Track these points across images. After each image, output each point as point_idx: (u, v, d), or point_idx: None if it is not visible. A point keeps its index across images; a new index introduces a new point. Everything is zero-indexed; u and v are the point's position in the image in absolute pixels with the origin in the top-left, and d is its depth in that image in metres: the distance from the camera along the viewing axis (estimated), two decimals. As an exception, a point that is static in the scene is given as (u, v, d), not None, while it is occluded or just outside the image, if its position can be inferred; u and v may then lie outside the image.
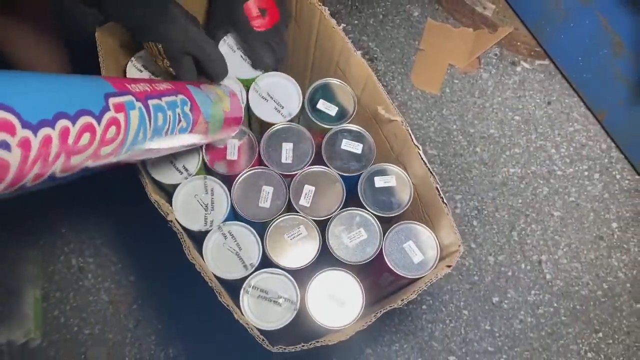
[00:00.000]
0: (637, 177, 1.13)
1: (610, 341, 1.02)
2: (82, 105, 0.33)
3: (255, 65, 0.67)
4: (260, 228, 0.60)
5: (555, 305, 1.03)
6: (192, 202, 0.61)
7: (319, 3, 0.66)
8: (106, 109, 0.36)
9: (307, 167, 0.64)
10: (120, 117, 0.37)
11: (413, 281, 0.60)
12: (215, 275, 0.57)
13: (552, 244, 1.07)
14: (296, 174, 0.63)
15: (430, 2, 1.25)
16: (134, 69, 0.63)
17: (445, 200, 0.57)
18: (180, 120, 0.48)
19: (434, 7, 1.25)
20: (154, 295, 0.99)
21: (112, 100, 0.37)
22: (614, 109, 1.09)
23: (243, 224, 0.60)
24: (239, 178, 0.62)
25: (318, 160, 0.66)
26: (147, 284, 1.00)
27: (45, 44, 0.79)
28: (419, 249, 0.60)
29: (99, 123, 0.35)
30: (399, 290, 0.65)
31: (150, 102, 0.43)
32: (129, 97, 0.40)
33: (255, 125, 0.69)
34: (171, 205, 0.59)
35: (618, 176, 1.13)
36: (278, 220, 0.60)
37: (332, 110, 0.66)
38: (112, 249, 1.01)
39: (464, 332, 1.00)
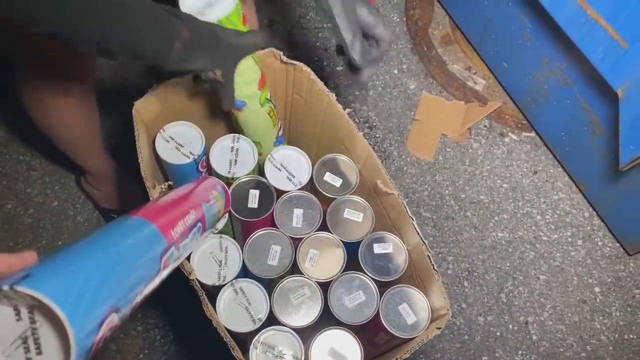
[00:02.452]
0: (617, 244, 1.20)
1: (594, 402, 1.06)
2: (150, 276, 0.41)
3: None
4: (268, 285, 0.67)
5: (541, 365, 1.08)
6: (207, 259, 0.67)
7: (327, 89, 0.75)
8: (159, 269, 0.43)
9: (314, 232, 0.71)
10: (165, 271, 0.45)
11: (406, 341, 0.66)
12: (226, 329, 0.63)
13: (538, 306, 1.14)
14: (303, 237, 0.70)
15: (425, 77, 1.36)
16: (162, 140, 0.71)
17: (435, 268, 0.64)
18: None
19: (428, 81, 1.35)
20: (160, 345, 1.04)
21: (164, 259, 0.44)
22: (594, 181, 1.17)
23: (253, 281, 0.67)
24: (251, 237, 0.69)
25: (323, 226, 0.73)
26: (153, 334, 1.05)
27: (82, 107, 0.86)
28: (412, 311, 0.67)
29: (153, 280, 0.42)
30: (394, 348, 0.71)
31: (182, 244, 0.49)
32: (173, 249, 0.46)
33: None
34: (189, 261, 0.66)
35: (600, 243, 1.21)
36: (284, 281, 0.67)
37: (337, 182, 0.73)
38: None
39: (454, 390, 1.05)
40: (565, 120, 1.16)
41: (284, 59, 0.76)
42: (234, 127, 0.78)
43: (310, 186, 0.75)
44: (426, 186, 1.24)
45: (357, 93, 1.33)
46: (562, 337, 1.11)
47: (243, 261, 0.68)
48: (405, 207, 0.67)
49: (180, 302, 0.92)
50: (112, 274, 0.35)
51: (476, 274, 1.16)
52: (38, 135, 0.89)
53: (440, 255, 1.17)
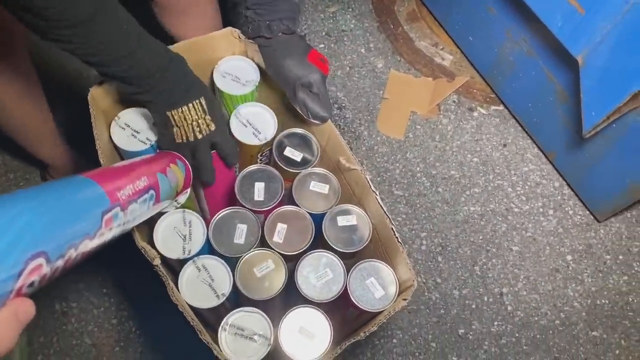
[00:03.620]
0: (587, 212, 1.22)
1: (569, 368, 1.08)
2: (86, 232, 0.40)
3: (313, 117, 0.72)
4: (233, 261, 0.66)
5: (517, 335, 1.10)
6: (171, 233, 0.66)
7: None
8: (99, 227, 0.42)
9: (279, 206, 0.70)
10: (107, 231, 0.43)
11: (376, 315, 0.66)
12: (191, 307, 0.63)
13: (512, 276, 1.15)
14: (269, 212, 0.70)
15: (392, 54, 1.36)
16: (118, 127, 0.70)
17: (400, 240, 0.64)
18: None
19: (396, 59, 1.35)
20: (136, 337, 1.03)
21: (105, 217, 0.43)
22: (562, 151, 1.19)
23: (216, 257, 0.66)
24: (215, 218, 0.69)
25: (289, 200, 0.72)
26: (128, 326, 1.03)
27: (28, 97, 0.84)
28: (380, 285, 0.67)
29: (92, 239, 0.41)
30: (365, 324, 0.71)
31: (130, 208, 0.48)
32: (117, 210, 0.45)
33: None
34: (152, 236, 0.65)
35: (570, 212, 1.22)
36: (248, 255, 0.67)
37: (297, 156, 0.73)
38: (94, 293, 1.05)
39: (432, 364, 1.06)
40: (532, 91, 1.17)
41: (242, 36, 0.75)
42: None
43: (271, 160, 0.74)
44: (397, 164, 1.24)
45: (324, 74, 1.32)
46: (537, 306, 1.13)
47: (208, 237, 0.67)
48: (368, 182, 0.67)
49: (152, 292, 0.91)
50: (40, 220, 0.34)
51: (450, 248, 1.16)
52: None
53: (413, 231, 1.17)
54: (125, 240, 0.64)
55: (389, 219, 0.65)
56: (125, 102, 0.72)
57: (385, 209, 0.65)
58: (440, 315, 1.10)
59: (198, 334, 0.58)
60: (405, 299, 0.62)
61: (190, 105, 0.63)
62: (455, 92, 1.32)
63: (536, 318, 1.12)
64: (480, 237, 1.18)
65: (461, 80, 1.31)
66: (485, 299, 1.12)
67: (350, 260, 0.70)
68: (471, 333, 1.09)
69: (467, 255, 1.16)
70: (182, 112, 0.63)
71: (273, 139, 0.73)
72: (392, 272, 0.67)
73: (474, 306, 1.12)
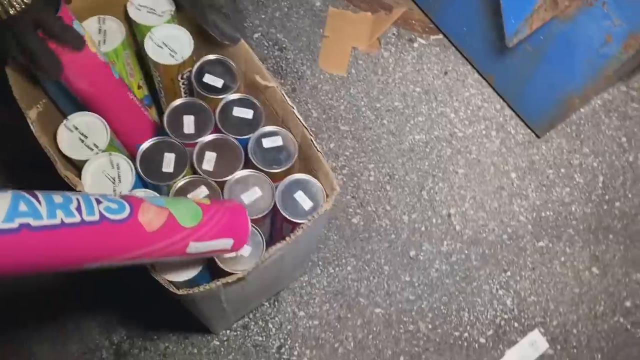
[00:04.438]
0: (528, 130, 1.25)
1: (518, 278, 1.13)
2: None
3: (225, 38, 0.70)
4: (165, 190, 0.68)
5: (466, 252, 1.14)
6: (100, 178, 0.67)
7: None
8: None
9: (207, 135, 0.71)
10: None
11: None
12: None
13: (459, 198, 1.18)
14: (197, 142, 0.71)
15: (330, -8, 1.35)
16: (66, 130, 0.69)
17: (320, 150, 0.66)
18: (100, 202, 0.47)
19: (334, -3, 1.35)
20: (93, 289, 1.04)
21: None
22: (498, 71, 1.21)
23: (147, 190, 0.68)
24: (142, 147, 0.69)
25: (216, 128, 0.74)
26: (83, 279, 1.05)
27: None
28: (308, 197, 0.69)
29: None
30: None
31: (37, 192, 0.43)
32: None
33: (155, 74, 0.76)
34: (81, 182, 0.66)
35: (512, 131, 1.26)
36: (181, 183, 0.68)
37: (218, 83, 0.74)
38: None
39: (386, 286, 1.10)
40: (465, 15, 1.19)
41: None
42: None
43: (193, 90, 0.75)
44: (342, 100, 1.26)
45: (262, 16, 1.31)
46: (484, 224, 1.17)
47: (137, 172, 0.68)
48: (285, 98, 0.68)
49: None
50: None
51: (397, 177, 1.19)
52: None
53: (361, 164, 1.20)
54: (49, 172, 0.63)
55: (307, 129, 0.66)
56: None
57: (302, 121, 0.67)
58: (391, 240, 1.14)
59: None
60: (329, 202, 0.64)
61: None
62: (394, 24, 1.33)
63: (484, 235, 1.16)
64: (426, 164, 1.21)
65: (399, 12, 1.32)
66: (434, 221, 1.16)
67: (280, 180, 0.72)
68: (422, 254, 1.13)
69: (415, 181, 1.19)
70: None
71: (191, 58, 0.73)
72: (318, 183, 0.69)
73: (423, 229, 1.15)
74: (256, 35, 1.29)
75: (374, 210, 1.16)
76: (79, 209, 0.43)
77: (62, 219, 0.41)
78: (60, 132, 0.67)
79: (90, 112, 0.68)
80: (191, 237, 0.54)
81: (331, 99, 1.26)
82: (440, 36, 1.33)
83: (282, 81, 1.25)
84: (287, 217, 0.68)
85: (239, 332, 1.03)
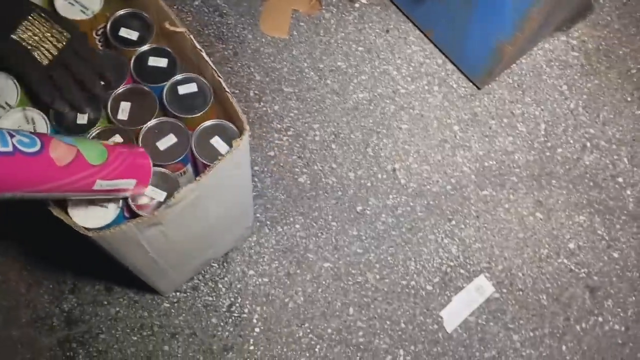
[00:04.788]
0: (470, 83, 1.27)
1: (463, 226, 1.16)
2: None
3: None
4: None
5: (411, 204, 1.16)
6: None
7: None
8: None
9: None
10: None
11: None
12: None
13: (403, 152, 1.20)
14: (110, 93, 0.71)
15: (269, -43, 1.35)
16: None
17: (228, 90, 0.67)
18: (13, 136, 0.49)
19: (273, -39, 1.35)
20: (41, 259, 1.05)
21: None
22: (437, 27, 1.22)
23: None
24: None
25: (131, 79, 0.74)
26: (31, 250, 1.05)
27: None
28: (223, 141, 0.70)
29: None
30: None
31: None
32: None
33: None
34: None
35: (454, 85, 1.27)
36: (94, 133, 0.69)
37: (133, 35, 0.74)
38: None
39: (334, 241, 1.12)
40: (400, -29, 1.19)
41: None
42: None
43: (110, 45, 0.75)
44: (285, 63, 1.26)
45: (202, -16, 1.31)
46: (428, 176, 1.19)
47: (51, 125, 0.68)
48: (193, 42, 0.69)
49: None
50: None
51: (342, 135, 1.21)
52: None
53: (306, 124, 1.21)
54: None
55: (216, 72, 0.67)
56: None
57: (211, 64, 0.67)
58: (338, 197, 1.15)
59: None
60: (241, 140, 0.65)
61: (30, 18, 0.60)
62: (335, -14, 1.33)
63: (428, 187, 1.18)
64: (371, 121, 1.22)
65: (338, -27, 1.33)
66: (379, 176, 1.18)
67: (196, 125, 0.73)
68: (368, 208, 1.15)
69: (359, 139, 1.21)
70: (26, 29, 0.60)
71: (103, 13, 0.73)
72: (234, 127, 0.70)
73: (369, 184, 1.17)
74: (196, 3, 1.29)
75: (320, 169, 1.17)
76: None
77: None
78: None
79: None
80: (98, 174, 0.57)
81: (274, 61, 1.26)
82: (381, -5, 1.34)
83: (224, 46, 1.25)
84: (203, 161, 0.69)
85: (188, 294, 1.05)
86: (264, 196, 1.14)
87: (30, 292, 1.03)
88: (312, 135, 1.20)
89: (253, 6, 1.30)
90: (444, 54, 1.28)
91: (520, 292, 1.12)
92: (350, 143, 1.20)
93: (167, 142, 0.69)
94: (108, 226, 0.63)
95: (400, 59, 1.28)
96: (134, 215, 0.66)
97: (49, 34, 0.61)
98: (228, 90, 0.66)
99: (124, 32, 0.74)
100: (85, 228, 0.62)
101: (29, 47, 0.60)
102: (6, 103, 0.68)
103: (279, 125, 1.20)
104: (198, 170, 0.74)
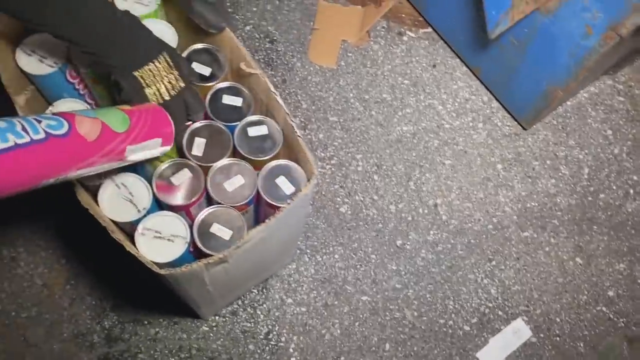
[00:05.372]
0: (515, 122, 1.27)
1: (503, 267, 1.15)
2: None
3: (210, 27, 0.72)
4: (149, 173, 0.70)
5: (452, 241, 1.16)
6: (118, 200, 0.68)
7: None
8: None
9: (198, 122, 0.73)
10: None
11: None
12: (113, 222, 0.66)
13: (445, 188, 1.20)
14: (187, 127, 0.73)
15: (321, -14, 1.37)
16: (24, 54, 0.71)
17: (300, 134, 0.67)
18: (40, 121, 0.49)
19: (324, -10, 1.37)
20: (85, 274, 1.06)
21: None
22: (485, 64, 1.23)
23: (134, 174, 0.69)
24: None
25: (205, 115, 0.76)
26: (76, 264, 1.07)
27: None
28: (289, 182, 0.71)
29: None
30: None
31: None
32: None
33: None
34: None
35: (499, 123, 1.28)
36: (165, 166, 0.70)
37: (206, 71, 0.75)
38: (41, 236, 1.08)
39: (373, 274, 1.12)
40: (451, 7, 1.20)
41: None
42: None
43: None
44: (331, 92, 1.27)
45: (254, 9, 1.33)
46: (470, 214, 1.19)
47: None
48: (269, 85, 0.70)
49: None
50: None
51: (385, 167, 1.21)
52: None
53: (349, 154, 1.21)
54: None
55: (289, 115, 0.68)
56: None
57: (285, 106, 0.68)
58: (378, 229, 1.16)
59: (110, 233, 0.61)
60: (307, 186, 0.66)
61: (156, 61, 0.63)
62: (384, 17, 1.34)
63: (470, 224, 1.18)
64: (414, 154, 1.23)
65: (388, 5, 1.34)
66: (421, 210, 1.18)
67: (261, 166, 0.74)
68: (408, 243, 1.15)
69: (402, 172, 1.21)
70: (150, 70, 0.62)
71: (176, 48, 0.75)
72: (299, 169, 0.71)
73: (410, 218, 1.17)
74: (248, 28, 1.31)
75: (361, 199, 1.18)
76: (24, 130, 0.46)
77: (15, 142, 0.44)
78: None
79: (74, 99, 0.70)
80: (126, 141, 0.58)
81: (320, 90, 1.27)
82: (429, 29, 1.34)
83: (273, 72, 1.27)
84: (268, 200, 0.70)
85: (227, 318, 1.05)
86: (305, 224, 1.14)
87: (72, 307, 1.04)
88: (354, 166, 1.21)
89: (302, 34, 1.32)
90: (490, 91, 1.28)
91: (558, 338, 1.11)
92: (392, 175, 1.21)
93: (235, 183, 0.70)
94: (176, 261, 0.64)
95: (446, 94, 1.29)
96: (197, 248, 0.67)
97: (166, 80, 0.63)
98: (300, 135, 0.66)
99: (196, 67, 0.75)
100: (155, 263, 0.63)
101: (144, 85, 0.63)
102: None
103: (322, 154, 1.21)
104: (259, 206, 0.74)
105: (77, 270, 1.07)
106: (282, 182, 0.71)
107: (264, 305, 1.07)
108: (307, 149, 0.67)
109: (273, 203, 0.69)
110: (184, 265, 0.61)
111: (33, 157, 0.47)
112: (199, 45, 0.77)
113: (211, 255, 0.62)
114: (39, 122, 0.49)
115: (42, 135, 0.48)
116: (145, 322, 1.04)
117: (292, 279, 1.10)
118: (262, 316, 1.06)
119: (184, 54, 0.76)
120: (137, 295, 1.05)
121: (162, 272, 0.60)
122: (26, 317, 1.03)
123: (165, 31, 0.76)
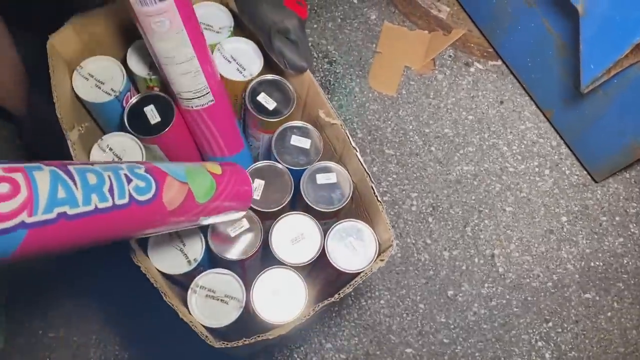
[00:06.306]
0: (584, 172, 1.18)
1: (560, 330, 1.06)
2: None
3: (290, 67, 0.66)
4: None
5: (507, 297, 1.08)
6: (168, 249, 0.63)
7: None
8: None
9: (256, 161, 0.67)
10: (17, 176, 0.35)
11: (356, 275, 0.63)
12: (161, 273, 0.60)
13: (505, 238, 1.12)
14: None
15: (387, 5, 1.29)
16: (80, 77, 0.65)
17: (379, 199, 0.60)
18: (130, 180, 0.45)
19: (390, 10, 1.28)
20: (116, 303, 1.01)
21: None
22: (560, 108, 1.14)
23: None
24: None
25: (268, 155, 0.69)
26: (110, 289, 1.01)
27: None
28: (359, 245, 0.63)
29: None
30: (346, 285, 0.69)
31: (71, 167, 0.40)
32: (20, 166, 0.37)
33: None
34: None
35: (567, 172, 1.18)
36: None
37: (270, 104, 0.68)
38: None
39: (420, 325, 1.04)
40: (530, 45, 1.11)
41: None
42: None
43: (243, 105, 0.69)
44: (389, 122, 1.19)
45: (315, 26, 1.26)
46: (529, 268, 1.10)
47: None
48: (348, 137, 0.63)
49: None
50: None
51: (441, 209, 1.13)
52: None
53: (404, 192, 1.14)
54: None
55: (369, 176, 0.61)
56: (93, 49, 0.67)
57: (365, 166, 0.61)
58: (429, 276, 1.08)
59: (162, 296, 0.55)
60: (382, 260, 0.59)
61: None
62: (451, 46, 1.26)
63: (528, 280, 1.09)
64: (473, 198, 1.14)
65: (458, 34, 1.25)
66: (476, 260, 1.10)
67: (330, 219, 0.67)
68: (460, 295, 1.07)
69: (459, 215, 1.13)
70: None
71: (260, 75, 0.68)
72: (372, 232, 0.64)
73: (464, 267, 1.09)
74: (306, 45, 1.24)
75: (413, 242, 1.10)
76: (111, 190, 0.42)
77: (95, 205, 0.40)
78: (93, 151, 0.64)
79: (121, 133, 0.64)
80: (202, 213, 0.54)
81: (378, 119, 1.20)
82: (499, 62, 1.25)
83: (329, 96, 1.19)
84: (335, 265, 0.62)
85: (262, 358, 0.99)
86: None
87: (102, 332, 0.99)
88: (408, 204, 1.13)
89: (364, 57, 1.24)
90: (560, 136, 1.19)
91: (614, 414, 1.02)
92: (448, 219, 1.12)
93: (299, 239, 0.63)
94: (230, 326, 0.58)
95: (512, 134, 1.20)
96: (252, 319, 0.60)
97: None
98: (380, 200, 0.59)
99: (262, 98, 0.68)
100: (206, 327, 0.56)
101: None
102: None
103: (375, 188, 1.13)
104: (325, 267, 0.67)
105: (107, 297, 1.01)
106: (350, 244, 0.63)
107: (301, 348, 1.01)
108: (386, 215, 0.60)
109: (341, 269, 0.62)
110: (241, 340, 0.54)
111: (107, 223, 0.42)
112: (269, 76, 0.70)
113: (267, 323, 0.56)
114: (129, 181, 0.44)
115: (126, 200, 0.43)
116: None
117: (332, 322, 1.03)
118: (298, 359, 1.00)
119: (253, 82, 0.69)
120: (167, 328, 0.99)
121: (217, 345, 0.54)
122: (53, 337, 0.98)
123: (250, 51, 0.69)
